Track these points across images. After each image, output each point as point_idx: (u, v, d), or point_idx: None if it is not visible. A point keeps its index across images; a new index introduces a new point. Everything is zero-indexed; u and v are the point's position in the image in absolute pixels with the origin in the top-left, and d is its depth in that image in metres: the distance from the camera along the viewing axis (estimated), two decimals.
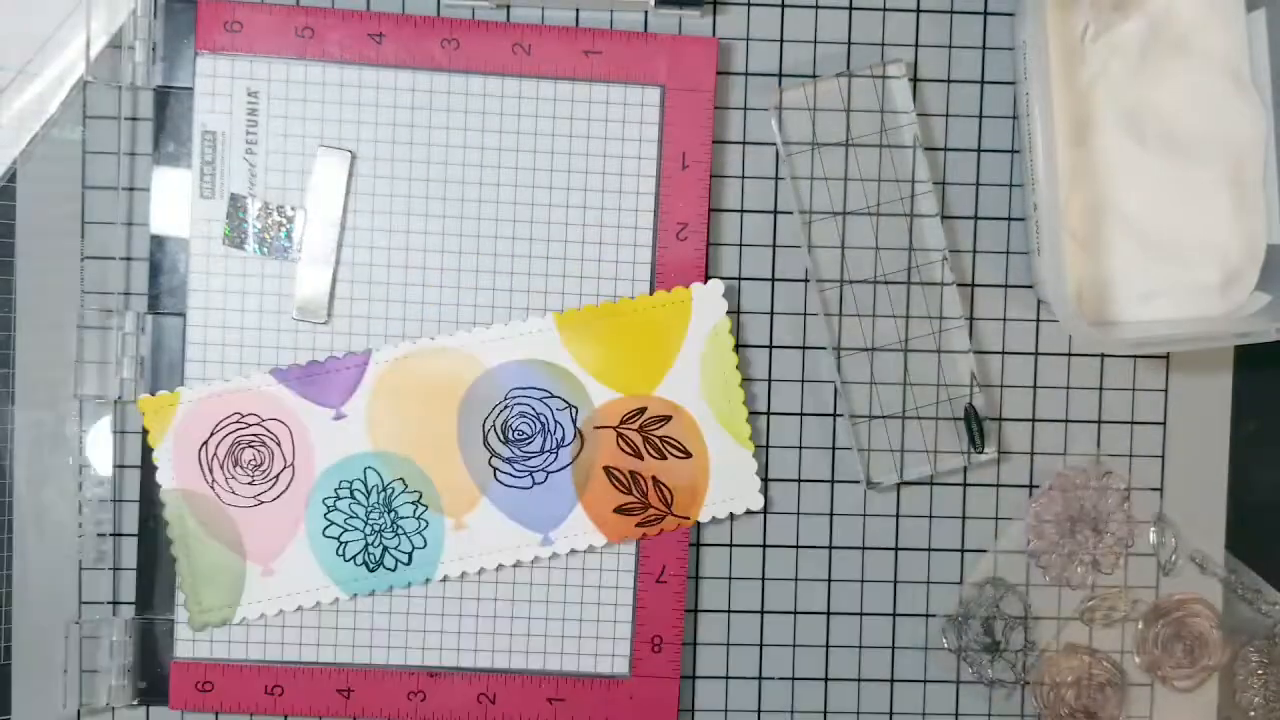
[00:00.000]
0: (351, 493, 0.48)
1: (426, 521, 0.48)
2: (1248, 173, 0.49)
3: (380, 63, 0.48)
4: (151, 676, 0.49)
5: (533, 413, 0.48)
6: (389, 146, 0.48)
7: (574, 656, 0.50)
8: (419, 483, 0.48)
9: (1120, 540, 0.50)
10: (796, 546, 0.51)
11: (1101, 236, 0.49)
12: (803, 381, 0.50)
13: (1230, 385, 0.52)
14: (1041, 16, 0.45)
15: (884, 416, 0.50)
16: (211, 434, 0.47)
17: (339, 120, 0.48)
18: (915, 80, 0.50)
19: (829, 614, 0.51)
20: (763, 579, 0.51)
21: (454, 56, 0.48)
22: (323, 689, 0.49)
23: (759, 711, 0.51)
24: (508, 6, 0.48)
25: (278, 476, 0.47)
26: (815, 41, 0.50)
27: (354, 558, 0.48)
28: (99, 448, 0.48)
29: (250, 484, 0.47)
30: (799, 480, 0.50)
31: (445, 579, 0.48)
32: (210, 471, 0.47)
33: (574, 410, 0.48)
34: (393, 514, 0.48)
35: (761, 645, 0.51)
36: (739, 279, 0.50)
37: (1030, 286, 0.51)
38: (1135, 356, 0.51)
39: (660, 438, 0.48)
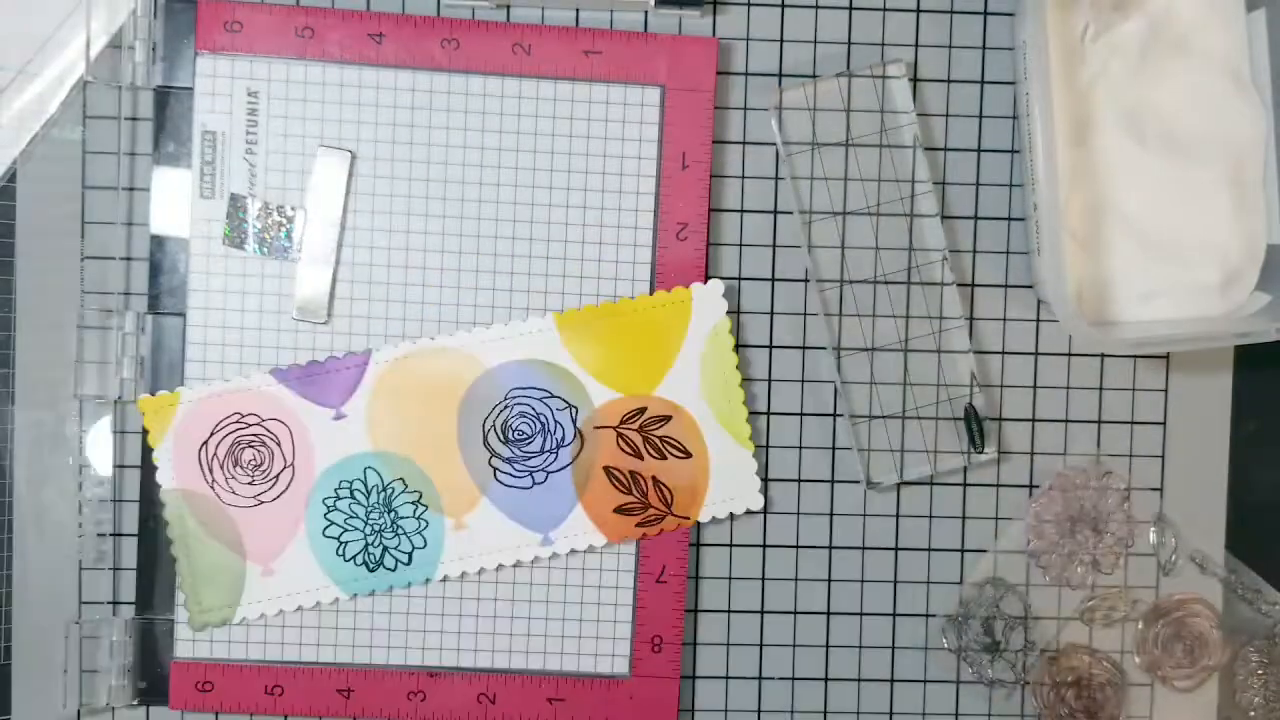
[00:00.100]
0: (351, 493, 0.48)
1: (426, 521, 0.48)
2: (1248, 173, 0.49)
3: (380, 63, 0.48)
4: (151, 676, 0.49)
5: (533, 413, 0.48)
6: (389, 146, 0.48)
7: (574, 656, 0.50)
8: (419, 483, 0.48)
9: (1120, 540, 0.50)
10: (796, 546, 0.51)
11: (1101, 236, 0.49)
12: (803, 381, 0.50)
13: (1230, 385, 0.52)
14: (1041, 16, 0.45)
15: (884, 416, 0.50)
16: (211, 434, 0.47)
17: (339, 120, 0.48)
18: (915, 80, 0.50)
19: (829, 614, 0.51)
20: (763, 579, 0.51)
21: (454, 56, 0.48)
22: (323, 689, 0.49)
23: (759, 711, 0.51)
24: (508, 6, 0.48)
25: (278, 476, 0.47)
26: (815, 41, 0.50)
27: (354, 558, 0.48)
28: (99, 448, 0.48)
29: (250, 484, 0.47)
30: (799, 480, 0.50)
31: (445, 579, 0.48)
32: (210, 471, 0.47)
33: (574, 410, 0.48)
34: (393, 514, 0.48)
35: (761, 645, 0.51)
36: (739, 279, 0.50)
37: (1030, 286, 0.51)
38: (1135, 356, 0.51)
39: (660, 438, 0.48)
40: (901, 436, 0.50)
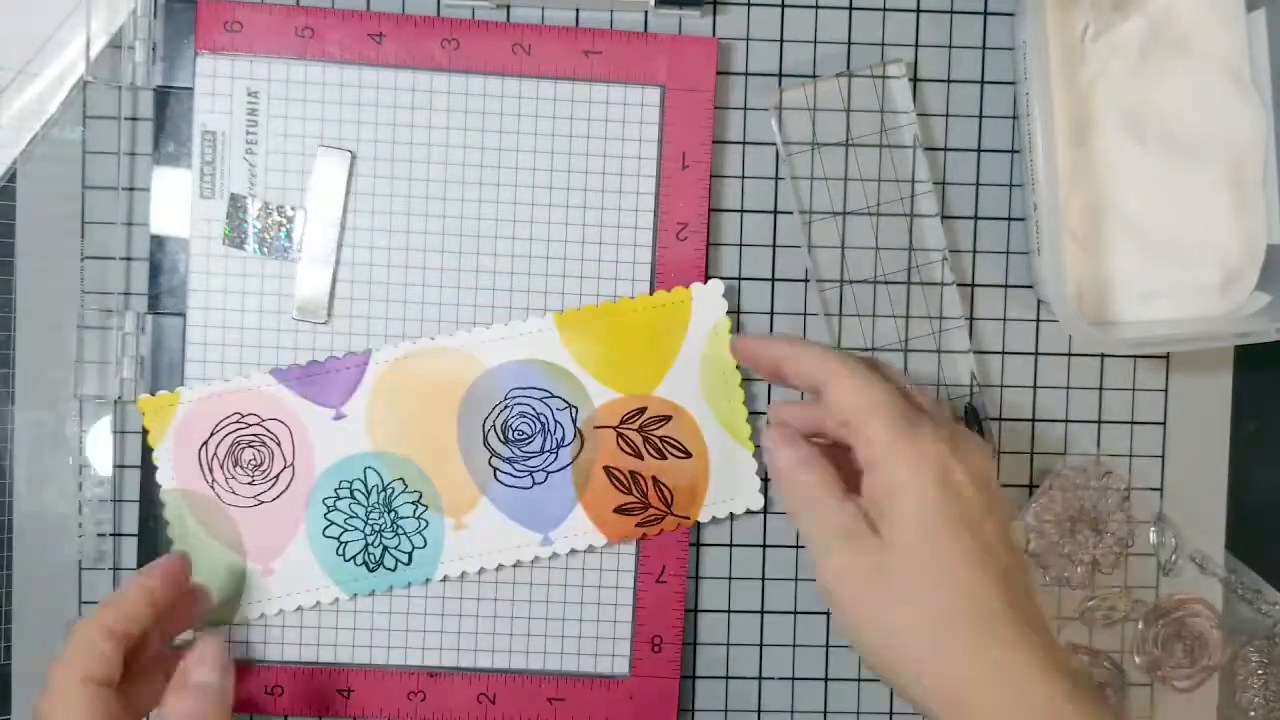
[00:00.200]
0: (351, 493, 0.48)
1: (426, 521, 0.48)
2: (1248, 173, 0.49)
3: (380, 63, 0.48)
4: None
5: (533, 413, 0.48)
6: (389, 146, 0.48)
7: (574, 656, 0.50)
8: (419, 483, 0.48)
9: (1120, 540, 0.50)
10: (796, 546, 0.51)
11: (1101, 236, 0.49)
12: None
13: (1230, 385, 0.52)
14: (1041, 16, 0.45)
15: None
16: (211, 434, 0.47)
17: (339, 120, 0.48)
18: (915, 80, 0.50)
19: (829, 614, 0.51)
20: (763, 579, 0.51)
21: (454, 56, 0.48)
22: (323, 689, 0.49)
23: (759, 711, 0.51)
24: (508, 6, 0.48)
25: (278, 476, 0.47)
26: (815, 41, 0.50)
27: (354, 558, 0.48)
28: (99, 448, 0.48)
29: (250, 484, 0.47)
30: None
31: (445, 579, 0.48)
32: (210, 471, 0.47)
33: (574, 410, 0.48)
34: (393, 514, 0.48)
35: (761, 645, 0.51)
36: (739, 279, 0.50)
37: (1030, 286, 0.51)
38: (1135, 356, 0.51)
39: (660, 438, 0.48)
40: None
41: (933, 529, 0.37)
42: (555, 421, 0.48)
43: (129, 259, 0.49)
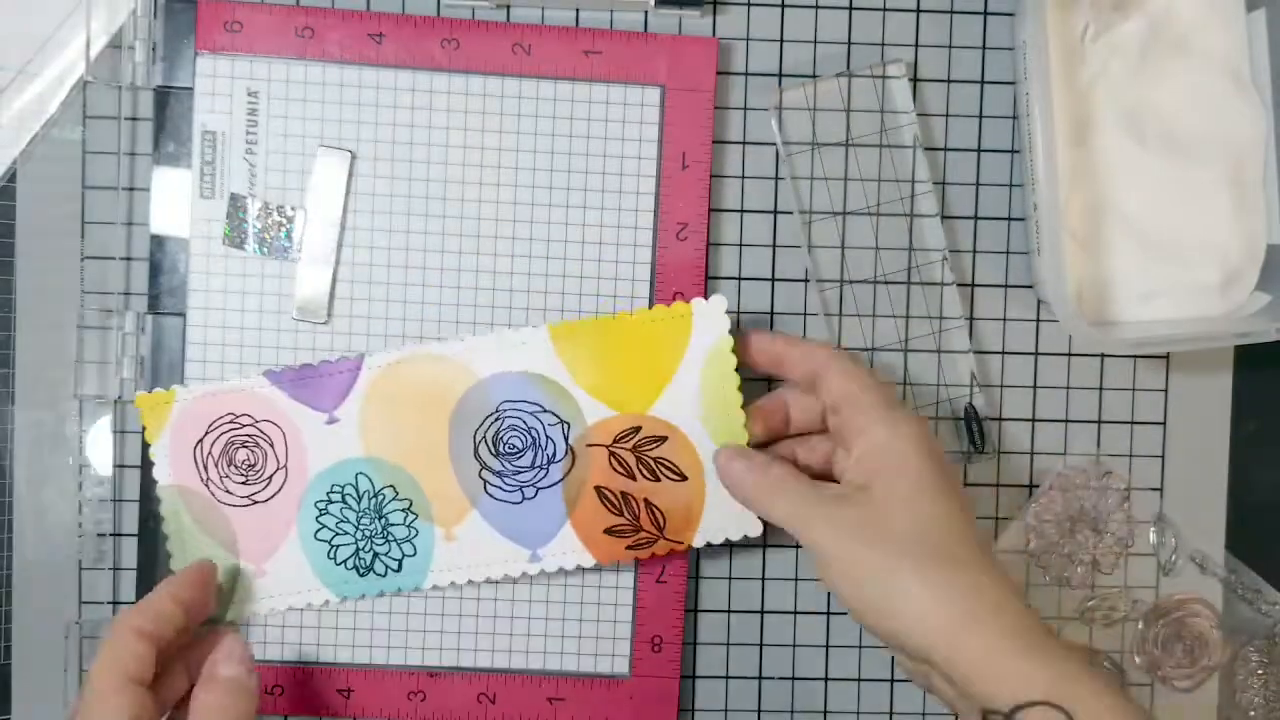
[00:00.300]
0: (343, 497, 0.47)
1: (416, 530, 0.47)
2: (1248, 173, 0.49)
3: (380, 63, 0.48)
4: None
5: (524, 426, 0.47)
6: (389, 146, 0.48)
7: (574, 656, 0.50)
8: (409, 490, 0.47)
9: (1120, 540, 0.50)
10: (796, 546, 0.51)
11: (1101, 236, 0.49)
12: None
13: (1230, 385, 0.52)
14: (1041, 16, 0.45)
15: None
16: (207, 432, 0.47)
17: (339, 120, 0.48)
18: (915, 80, 0.50)
19: (829, 614, 0.51)
20: (763, 579, 0.51)
21: (454, 56, 0.48)
22: (323, 689, 0.49)
23: (759, 711, 0.51)
24: (508, 6, 0.48)
25: (271, 477, 0.47)
26: (815, 41, 0.50)
27: (344, 561, 0.47)
28: (99, 447, 0.48)
29: (244, 483, 0.47)
30: None
31: (435, 588, 0.48)
32: (205, 470, 0.47)
33: (566, 426, 0.47)
34: (383, 520, 0.47)
35: (761, 645, 0.51)
36: (739, 279, 0.50)
37: (1030, 286, 0.51)
38: (1135, 356, 0.51)
39: (655, 459, 0.47)
40: None
41: (922, 481, 0.42)
42: (547, 437, 0.47)
43: (129, 259, 0.49)
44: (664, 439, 0.47)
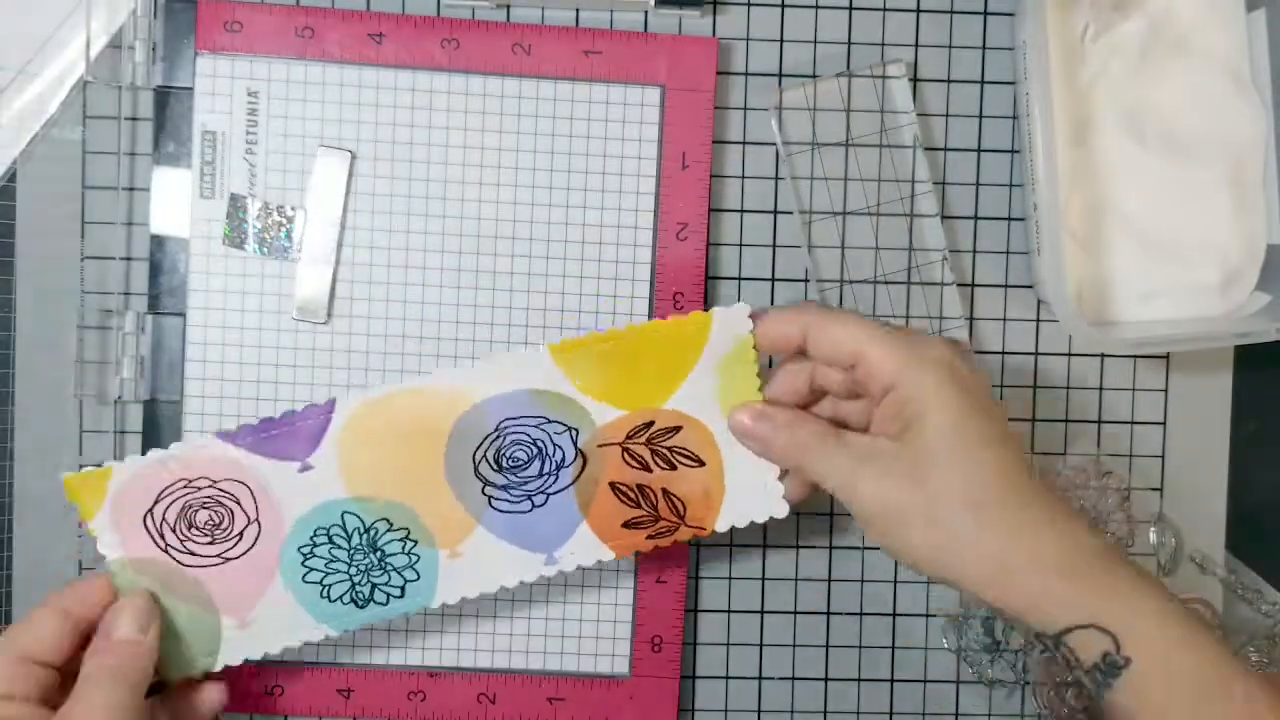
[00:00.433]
0: (330, 538, 0.44)
1: (418, 555, 0.44)
2: (1248, 173, 0.49)
3: (380, 63, 0.48)
4: None
5: (528, 439, 0.44)
6: (389, 146, 0.48)
7: (574, 656, 0.50)
8: (405, 520, 0.44)
9: (1120, 540, 0.50)
10: (796, 547, 0.51)
11: (1101, 236, 0.49)
12: None
13: (1230, 385, 0.52)
14: (1041, 16, 0.45)
15: None
16: (156, 501, 0.42)
17: (339, 120, 0.48)
18: (915, 80, 0.50)
19: (829, 614, 0.51)
20: (763, 579, 0.51)
21: (454, 56, 0.48)
22: (323, 689, 0.49)
23: (759, 711, 0.51)
24: (508, 6, 0.48)
25: (242, 533, 0.43)
26: (815, 41, 0.50)
27: (340, 598, 0.44)
28: (99, 448, 0.48)
29: (211, 543, 0.43)
30: None
31: (444, 606, 0.45)
32: (161, 536, 0.43)
33: (574, 432, 0.44)
34: (379, 552, 0.44)
35: (761, 645, 0.51)
36: (739, 279, 0.50)
37: (1030, 286, 0.51)
38: (1135, 356, 0.51)
39: (670, 448, 0.44)
40: None
41: (956, 421, 0.40)
42: (554, 445, 0.44)
43: (129, 259, 0.49)
44: (678, 429, 0.44)
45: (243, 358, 0.48)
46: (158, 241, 0.48)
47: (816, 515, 0.51)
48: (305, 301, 0.48)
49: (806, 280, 0.50)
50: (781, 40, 0.50)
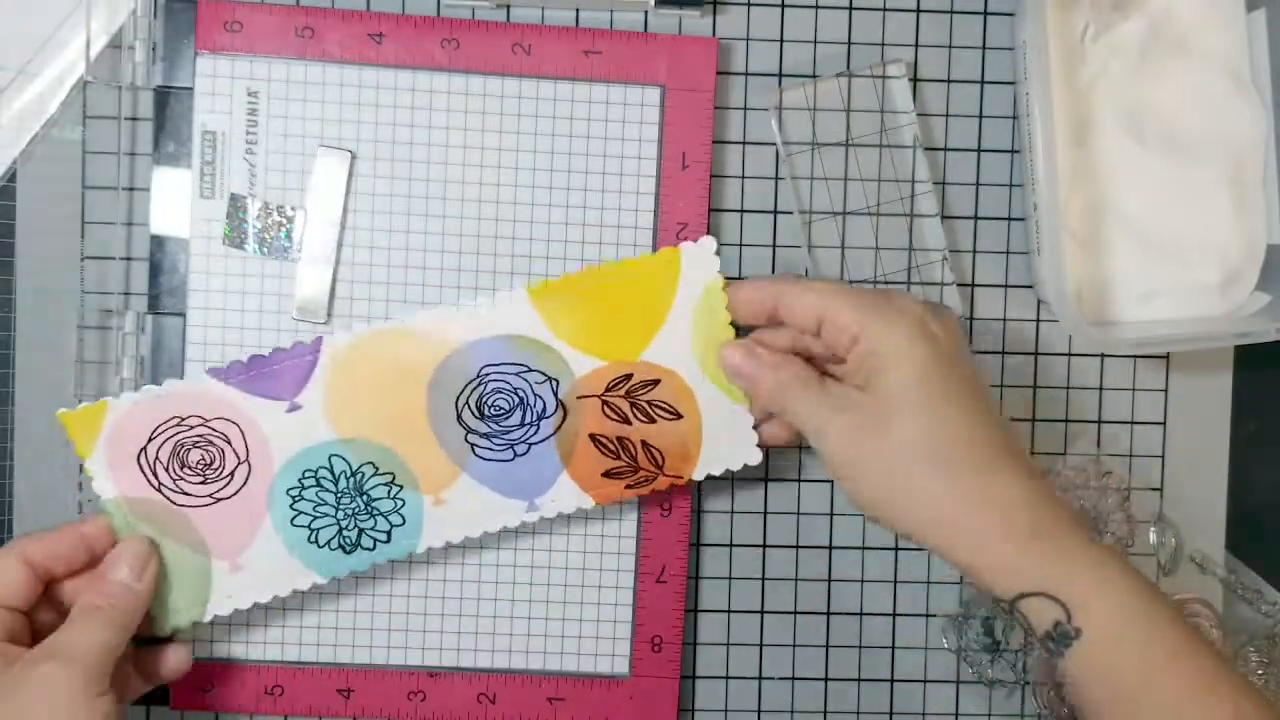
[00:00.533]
0: (318, 481, 0.45)
1: (403, 500, 0.46)
2: (1248, 173, 0.49)
3: (380, 63, 0.48)
4: None
5: (510, 388, 0.45)
6: (389, 146, 0.48)
7: (574, 656, 0.50)
8: (390, 464, 0.45)
9: (1120, 540, 0.50)
10: (796, 547, 0.51)
11: (1101, 236, 0.49)
12: None
13: (1230, 385, 0.52)
14: (1041, 16, 0.45)
15: None
16: (150, 439, 0.44)
17: (339, 120, 0.48)
18: (915, 80, 0.50)
19: (829, 614, 0.51)
20: (763, 579, 0.51)
21: (454, 56, 0.48)
22: (323, 689, 0.49)
23: (759, 711, 0.51)
24: (508, 6, 0.48)
25: (232, 474, 0.45)
26: (815, 41, 0.50)
27: (328, 543, 0.46)
28: None
29: (203, 483, 0.45)
30: (799, 480, 0.50)
31: (429, 550, 0.46)
32: (155, 475, 0.45)
33: (554, 383, 0.46)
34: (365, 497, 0.46)
35: (761, 645, 0.51)
36: (739, 279, 0.50)
37: (1030, 286, 0.51)
38: (1135, 356, 0.51)
39: (649, 402, 0.46)
40: None
41: (920, 376, 0.40)
42: (535, 395, 0.46)
43: (129, 259, 0.49)
44: (657, 381, 0.46)
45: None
46: (158, 241, 0.48)
47: (816, 515, 0.51)
48: (305, 301, 0.48)
49: None
50: (781, 40, 0.50)
